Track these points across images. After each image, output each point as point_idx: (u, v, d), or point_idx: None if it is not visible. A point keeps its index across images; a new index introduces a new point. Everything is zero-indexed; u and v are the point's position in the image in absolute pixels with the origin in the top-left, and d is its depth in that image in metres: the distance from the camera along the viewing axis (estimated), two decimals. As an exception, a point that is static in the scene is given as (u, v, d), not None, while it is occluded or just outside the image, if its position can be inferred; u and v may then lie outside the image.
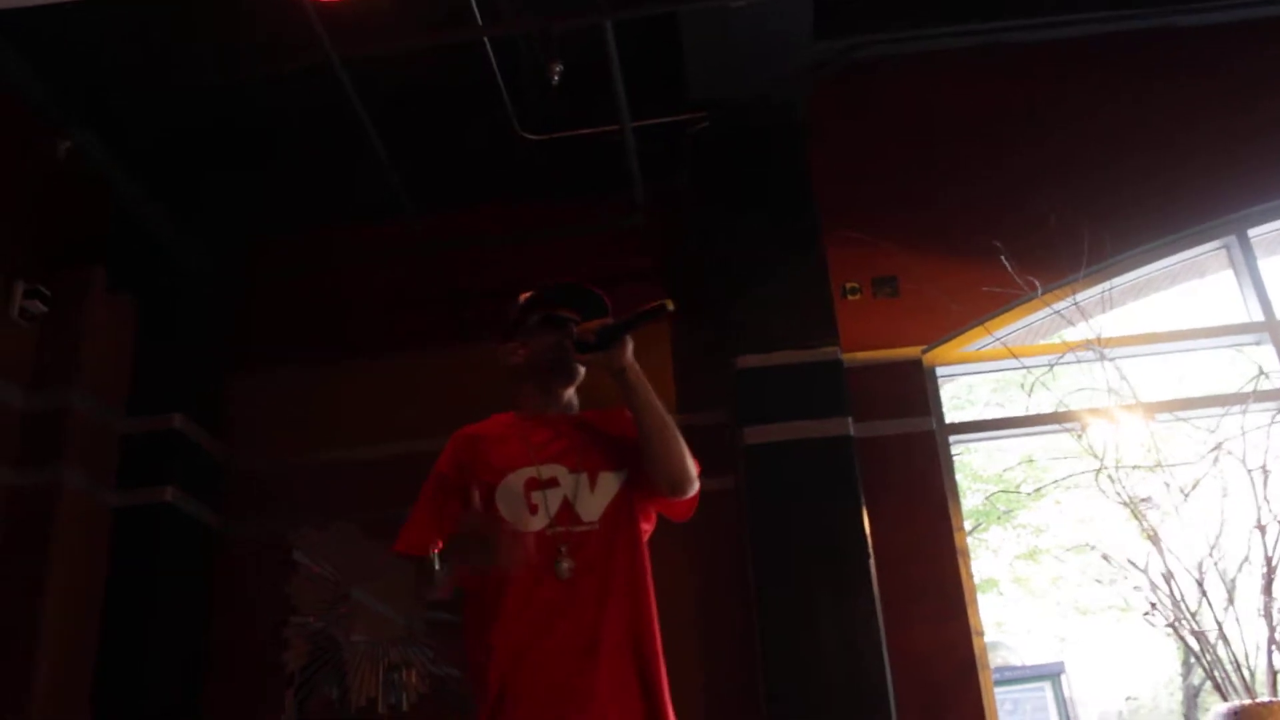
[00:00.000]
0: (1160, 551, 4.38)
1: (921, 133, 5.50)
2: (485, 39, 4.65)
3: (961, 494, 5.17)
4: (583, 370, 2.67)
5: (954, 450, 5.17)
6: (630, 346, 2.47)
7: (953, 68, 5.58)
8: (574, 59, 4.44)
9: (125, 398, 5.20)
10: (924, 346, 5.10)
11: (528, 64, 4.97)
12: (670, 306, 2.40)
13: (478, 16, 4.51)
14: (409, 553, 2.53)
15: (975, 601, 4.76)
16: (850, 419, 4.71)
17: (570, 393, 2.71)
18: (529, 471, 2.52)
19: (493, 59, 4.77)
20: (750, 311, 4.91)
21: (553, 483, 2.52)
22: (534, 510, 2.48)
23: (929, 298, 5.07)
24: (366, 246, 5.66)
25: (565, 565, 2.41)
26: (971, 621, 4.66)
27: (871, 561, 4.47)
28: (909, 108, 5.56)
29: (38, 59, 4.50)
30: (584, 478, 2.53)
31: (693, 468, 2.52)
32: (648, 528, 2.60)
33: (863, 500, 4.58)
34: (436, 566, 2.38)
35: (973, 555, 5.39)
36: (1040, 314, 5.10)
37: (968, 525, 4.87)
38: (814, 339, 4.82)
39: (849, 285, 5.19)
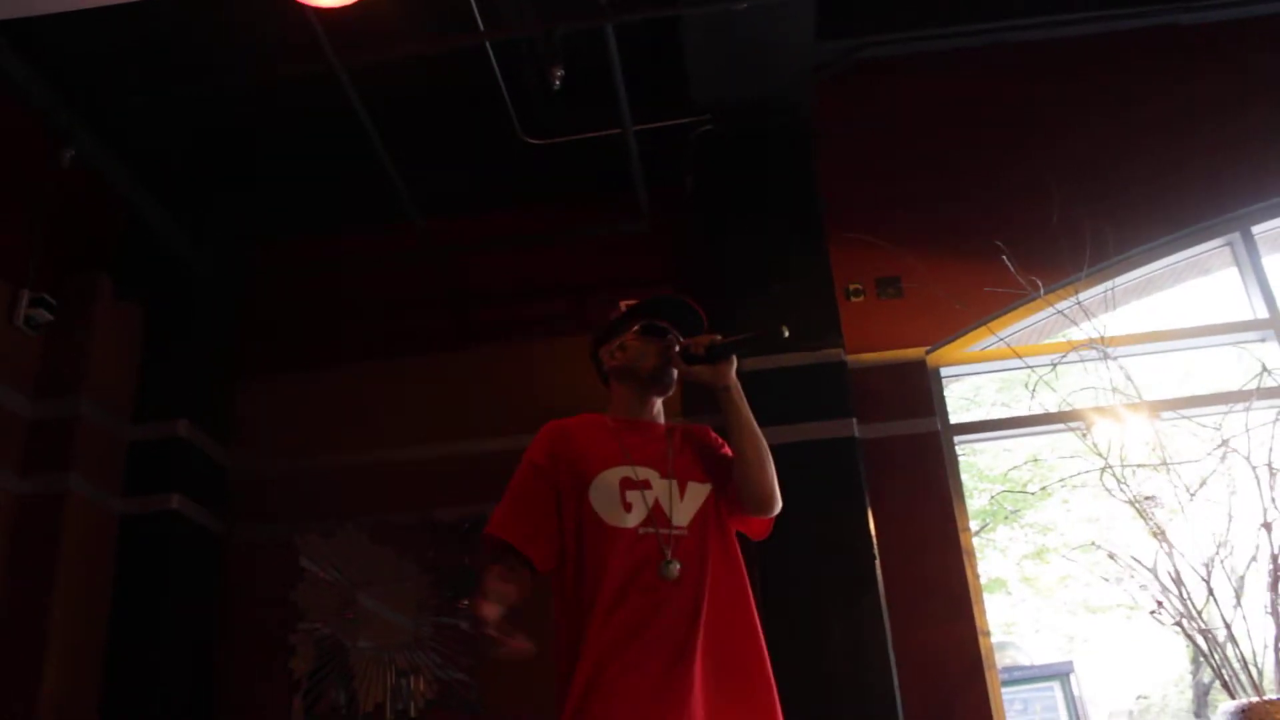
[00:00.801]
0: (1167, 550, 4.38)
1: (924, 133, 5.50)
2: (487, 44, 4.65)
3: (968, 494, 5.17)
4: (674, 382, 2.73)
5: (960, 450, 5.17)
6: (734, 365, 2.55)
7: (956, 67, 5.58)
8: (577, 63, 4.45)
9: (131, 405, 5.21)
10: (928, 347, 5.10)
11: (530, 68, 4.98)
12: (786, 333, 2.47)
13: (479, 21, 4.52)
14: (498, 535, 2.59)
15: (981, 602, 4.75)
16: (855, 420, 4.71)
17: (660, 403, 2.76)
18: (624, 470, 2.56)
19: (495, 64, 4.78)
20: (754, 313, 4.90)
21: (645, 484, 2.56)
22: (629, 508, 2.52)
23: (933, 298, 5.07)
24: (371, 252, 5.67)
25: (674, 566, 2.45)
26: (978, 622, 4.66)
27: (878, 563, 4.47)
28: (912, 108, 5.57)
29: (42, 66, 4.51)
30: (674, 484, 2.57)
31: (778, 489, 2.58)
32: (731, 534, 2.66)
33: (868, 501, 4.57)
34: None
35: (980, 555, 5.39)
36: (1044, 314, 5.10)
37: (975, 525, 4.87)
38: (818, 340, 4.82)
39: (853, 286, 5.19)
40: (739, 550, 2.60)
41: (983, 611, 4.73)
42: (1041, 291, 4.82)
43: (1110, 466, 4.55)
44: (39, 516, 4.63)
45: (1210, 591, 4.29)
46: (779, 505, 2.59)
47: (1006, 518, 9.48)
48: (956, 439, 5.11)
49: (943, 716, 4.49)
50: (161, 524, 4.95)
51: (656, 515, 2.51)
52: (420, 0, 4.55)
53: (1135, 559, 4.44)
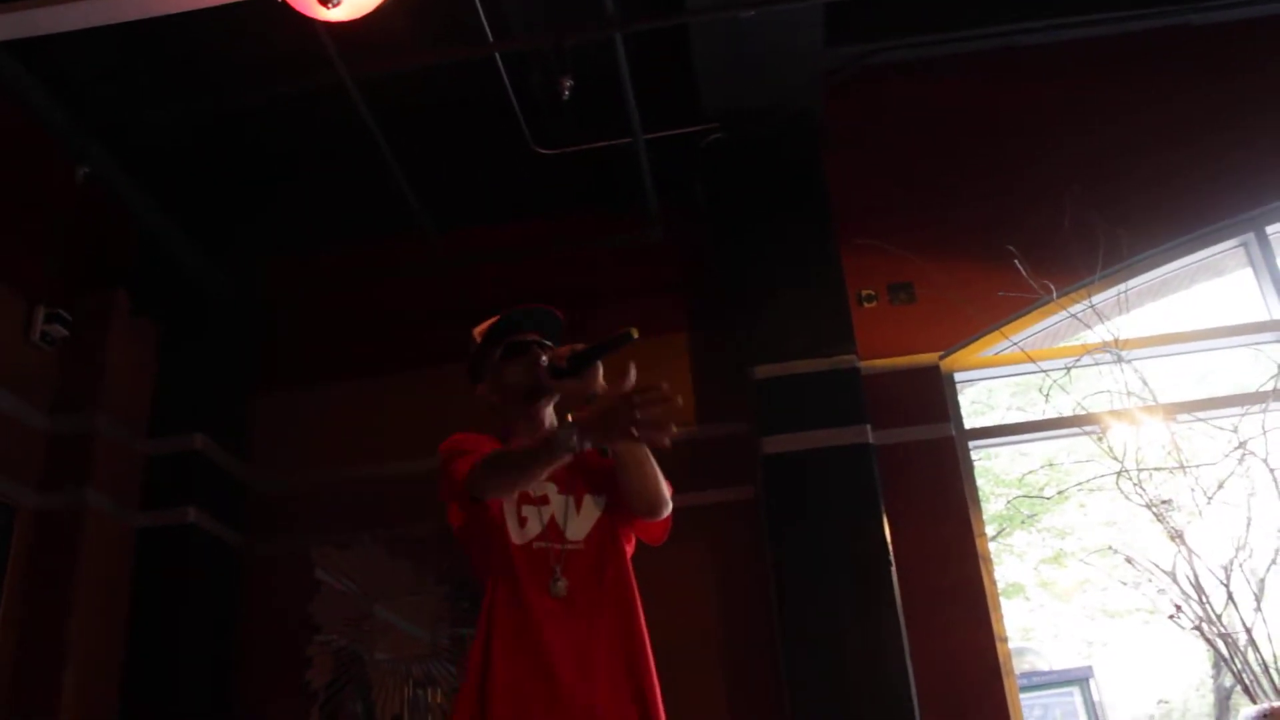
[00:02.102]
0: (1186, 554, 4.36)
1: (935, 138, 5.50)
2: (497, 56, 4.67)
3: (984, 499, 5.15)
4: (551, 388, 2.69)
5: (975, 455, 5.16)
6: (600, 372, 2.53)
7: (966, 72, 5.58)
8: (586, 74, 4.45)
9: (147, 420, 5.24)
10: (941, 352, 5.09)
11: (540, 79, 4.99)
12: (635, 334, 2.39)
13: (489, 33, 4.54)
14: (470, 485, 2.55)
15: (999, 608, 4.74)
16: (869, 426, 4.70)
17: (549, 412, 2.74)
18: None
19: (505, 76, 4.79)
20: (767, 321, 4.91)
21: (543, 500, 2.60)
22: (523, 523, 2.55)
23: (946, 303, 5.06)
24: (384, 264, 5.69)
25: (561, 584, 2.48)
26: (995, 628, 4.64)
27: (894, 569, 4.46)
28: (922, 113, 5.56)
29: (55, 85, 4.54)
30: (570, 500, 2.61)
31: (665, 492, 2.54)
32: (629, 549, 2.66)
33: (884, 508, 4.56)
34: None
35: (997, 560, 5.37)
36: (1057, 317, 5.08)
37: (991, 530, 4.85)
38: (831, 347, 4.81)
39: (865, 292, 5.19)
40: (631, 565, 2.62)
41: (1000, 617, 4.71)
42: (1054, 295, 4.81)
43: (1126, 470, 4.53)
44: (58, 531, 4.67)
45: (1230, 595, 4.26)
46: (667, 506, 2.55)
47: (1023, 522, 9.44)
48: (971, 444, 5.10)
49: (960, 723, 4.47)
50: (179, 538, 4.98)
51: (550, 530, 2.55)
52: (430, 13, 4.56)
53: (1154, 563, 4.42)
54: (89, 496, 4.73)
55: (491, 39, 4.56)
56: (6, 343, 4.71)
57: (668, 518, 2.61)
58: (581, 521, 2.60)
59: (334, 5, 3.18)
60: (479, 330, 2.82)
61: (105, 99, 4.84)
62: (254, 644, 5.15)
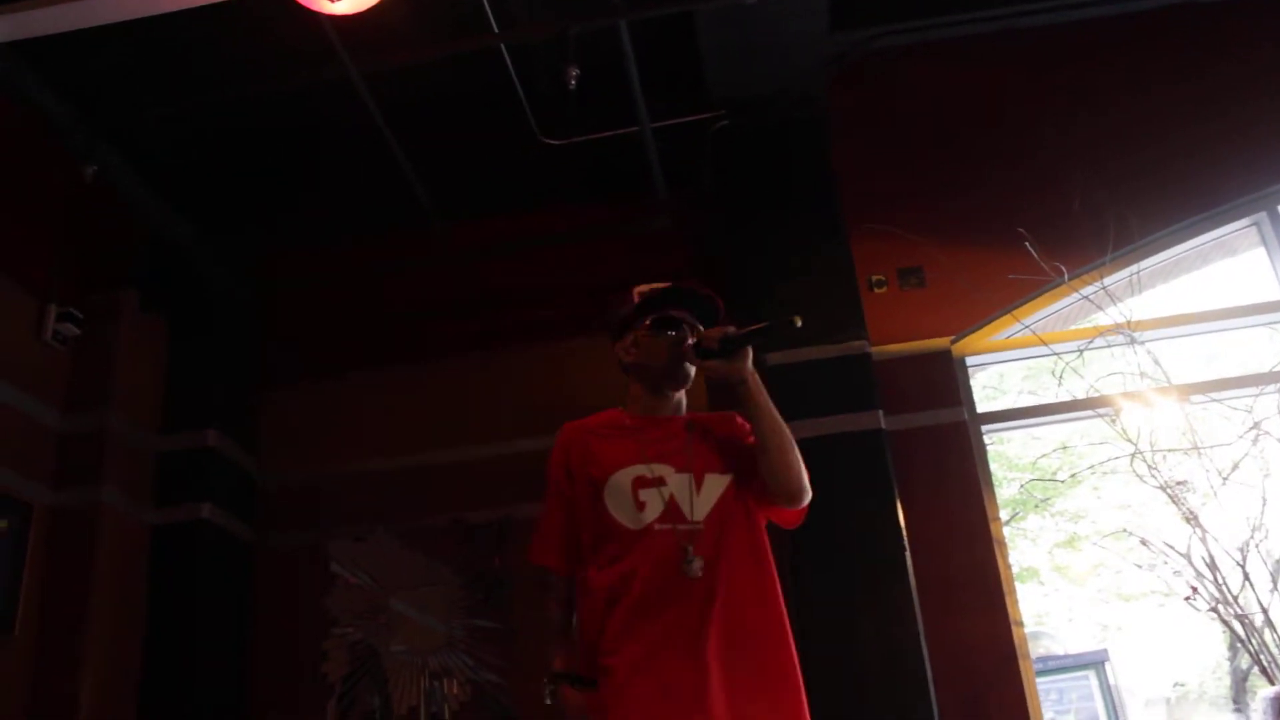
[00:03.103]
0: (1200, 535, 4.34)
1: (943, 121, 5.47)
2: (502, 46, 4.66)
3: (997, 483, 5.13)
4: (693, 374, 2.67)
5: (987, 440, 5.14)
6: (750, 357, 2.49)
7: (972, 54, 5.54)
8: (591, 62, 4.43)
9: (159, 416, 5.25)
10: (952, 337, 5.07)
11: (545, 70, 4.98)
12: (799, 323, 2.40)
13: (493, 24, 4.52)
14: (541, 564, 2.65)
15: (1014, 591, 4.72)
16: (881, 412, 4.68)
17: (680, 395, 2.70)
18: (638, 469, 2.54)
19: (510, 66, 4.78)
20: (777, 307, 4.88)
21: (660, 481, 2.53)
22: (642, 507, 2.50)
23: (956, 287, 5.04)
24: (392, 256, 5.69)
25: (696, 564, 2.43)
26: (1010, 612, 4.63)
27: (908, 554, 4.44)
28: (929, 97, 5.53)
29: (60, 84, 4.55)
30: (690, 478, 2.53)
31: (806, 480, 2.52)
32: (761, 520, 2.61)
33: (897, 493, 4.55)
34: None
35: (1011, 544, 5.35)
36: (1069, 299, 5.06)
37: (1005, 514, 4.84)
38: (842, 333, 4.79)
39: (875, 278, 5.16)
40: (766, 543, 2.56)
41: (1015, 601, 4.70)
42: (1066, 277, 4.79)
43: (1140, 452, 4.52)
44: (73, 528, 4.69)
45: (1246, 576, 4.25)
46: (808, 495, 2.53)
47: (1036, 506, 9.42)
48: (984, 428, 5.08)
49: (977, 708, 4.47)
50: (193, 533, 4.99)
51: (672, 511, 2.49)
52: (434, 4, 4.55)
53: (1169, 545, 4.40)
54: (103, 494, 4.74)
55: (496, 29, 4.55)
56: (19, 342, 4.73)
57: (806, 506, 2.58)
58: (702, 500, 2.53)
59: (338, -2, 3.16)
60: (639, 289, 2.75)
61: (111, 97, 4.83)
62: (270, 638, 5.17)
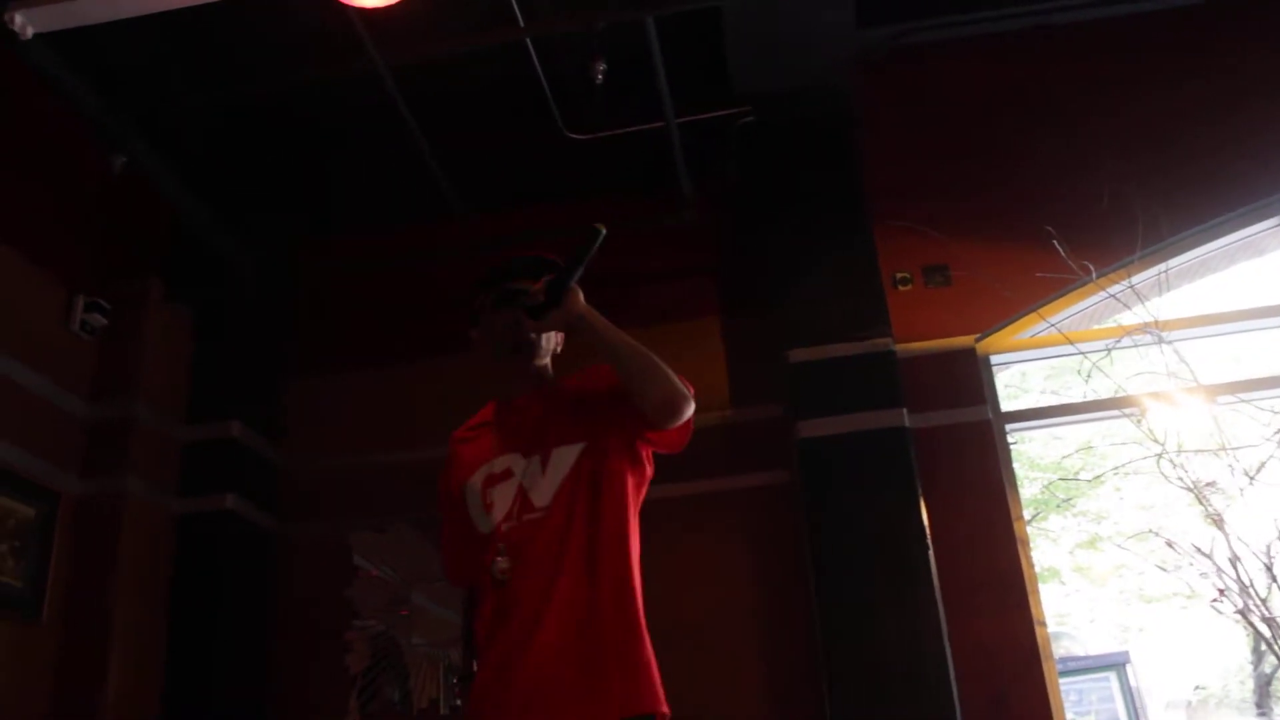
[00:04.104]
0: (1226, 536, 4.31)
1: (970, 118, 5.43)
2: (528, 40, 4.66)
3: (1019, 483, 5.11)
4: (549, 340, 2.56)
5: (1010, 439, 5.12)
6: (580, 293, 2.37)
7: (1001, 50, 5.50)
8: (616, 56, 4.43)
9: (184, 406, 5.28)
10: (977, 335, 5.04)
11: (571, 63, 4.98)
12: (603, 230, 2.31)
13: (519, 17, 4.53)
14: (458, 585, 2.74)
15: (1037, 591, 4.70)
16: (905, 410, 4.66)
17: (540, 365, 2.58)
18: (485, 469, 2.47)
19: (535, 59, 4.78)
20: (801, 304, 4.88)
21: (506, 475, 2.43)
22: (489, 509, 2.41)
23: (981, 285, 5.01)
24: (416, 248, 5.70)
25: (500, 566, 2.31)
26: (1034, 612, 4.60)
27: (931, 553, 4.43)
28: (956, 93, 5.49)
29: (90, 74, 4.57)
30: (535, 461, 2.41)
31: (682, 387, 2.34)
32: (636, 480, 2.47)
33: (920, 491, 4.53)
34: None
35: (1032, 544, 5.33)
36: (1096, 298, 5.02)
37: (1026, 514, 4.82)
38: (866, 330, 4.77)
39: (900, 275, 5.14)
40: (617, 506, 2.39)
41: (1039, 601, 4.67)
42: (1093, 276, 4.76)
43: (1167, 452, 4.49)
44: (99, 518, 4.71)
45: (1273, 578, 4.22)
46: (686, 406, 2.34)
47: (1058, 506, 9.38)
48: (1008, 427, 5.05)
49: (1000, 708, 4.44)
50: (217, 523, 5.01)
51: (519, 504, 2.37)
52: (461, -2, 4.57)
53: (1196, 547, 4.37)
54: (129, 483, 4.77)
55: (522, 23, 4.55)
56: (48, 332, 4.76)
57: (688, 421, 2.39)
58: (548, 481, 2.38)
59: (368, -10, 3.16)
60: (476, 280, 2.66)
61: (140, 86, 4.86)
62: (292, 629, 5.19)
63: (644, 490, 2.51)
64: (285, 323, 5.82)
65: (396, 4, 3.60)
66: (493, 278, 2.60)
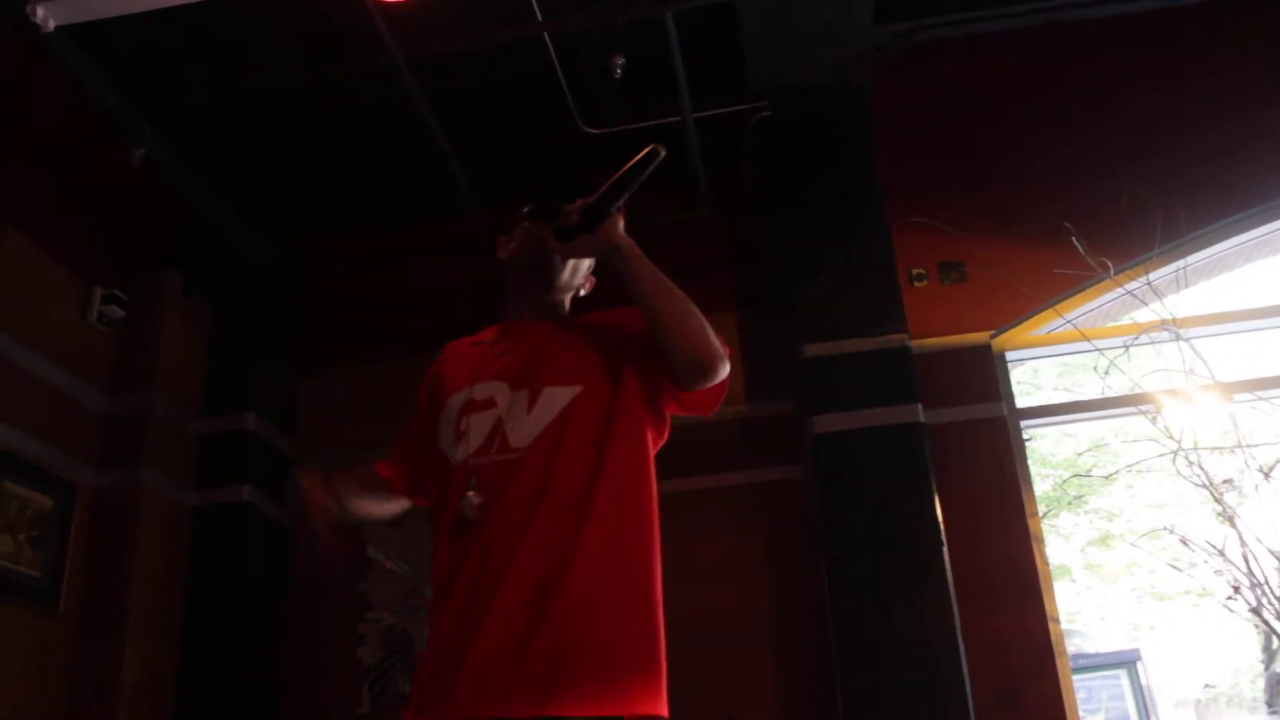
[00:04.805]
0: (1240, 534, 4.31)
1: (987, 114, 5.42)
2: (545, 34, 4.66)
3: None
4: (575, 273, 2.28)
5: (1024, 435, 5.11)
6: (620, 221, 2.11)
7: (1017, 47, 5.48)
8: (633, 51, 4.43)
9: (200, 399, 5.30)
10: (993, 331, 5.04)
11: (587, 58, 4.98)
12: (662, 152, 2.02)
13: (537, 12, 4.52)
14: (385, 477, 2.38)
15: (1051, 588, 4.70)
16: (920, 406, 4.66)
17: (554, 299, 2.31)
18: (467, 393, 2.15)
19: (553, 53, 4.78)
20: (816, 300, 4.88)
21: (488, 404, 2.11)
22: (460, 438, 2.09)
23: (997, 281, 5.00)
24: (433, 243, 5.71)
25: (471, 500, 2.00)
26: (1047, 608, 4.60)
27: (945, 549, 4.43)
28: (973, 89, 5.48)
29: (109, 67, 4.58)
30: (523, 396, 2.09)
31: (717, 344, 2.06)
32: (654, 436, 2.18)
33: (935, 487, 4.53)
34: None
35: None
36: (1112, 295, 5.01)
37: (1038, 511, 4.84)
38: (881, 326, 4.77)
39: (915, 271, 5.13)
40: (633, 462, 2.10)
41: (1053, 598, 4.67)
42: (1112, 272, 4.74)
43: (1183, 450, 4.48)
44: (115, 509, 4.74)
45: (1289, 577, 4.21)
46: (722, 366, 2.07)
47: (1070, 503, 9.37)
48: (1023, 424, 5.05)
49: (1012, 704, 4.44)
50: (232, 516, 5.04)
51: (494, 439, 2.06)
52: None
53: (1210, 544, 4.37)
54: (145, 475, 4.80)
55: (540, 17, 4.55)
56: (66, 324, 4.78)
57: (722, 382, 2.11)
58: (532, 421, 2.06)
59: (391, -16, 3.17)
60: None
61: (156, 81, 4.87)
62: (306, 621, 5.21)
63: (658, 446, 2.21)
64: (300, 315, 5.83)
65: (416, -2, 3.60)
66: (542, 190, 2.34)
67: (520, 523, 1.96)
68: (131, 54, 4.69)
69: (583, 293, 2.37)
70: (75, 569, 4.57)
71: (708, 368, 2.05)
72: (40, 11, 3.80)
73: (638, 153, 2.04)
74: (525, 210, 2.31)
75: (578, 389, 2.08)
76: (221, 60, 5.04)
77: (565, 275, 2.27)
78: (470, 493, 2.00)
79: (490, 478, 2.02)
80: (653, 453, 2.17)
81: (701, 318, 2.05)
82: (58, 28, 3.89)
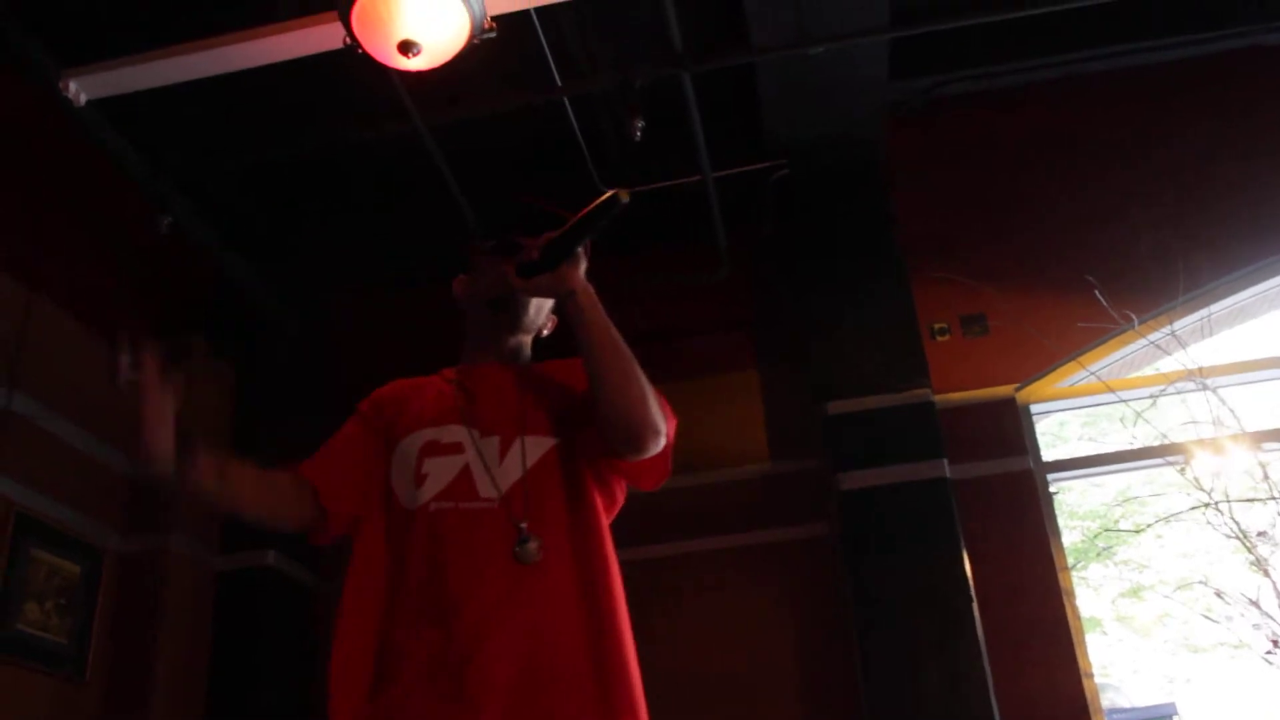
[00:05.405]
0: (1275, 584, 4.25)
1: (1005, 167, 5.43)
2: (565, 98, 4.71)
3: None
4: (539, 312, 2.19)
5: (1051, 488, 5.07)
6: (584, 264, 1.99)
7: (1033, 100, 5.51)
8: (650, 111, 4.47)
9: (227, 461, 5.31)
10: (1017, 384, 5.02)
11: (606, 119, 5.03)
12: (625, 197, 1.91)
13: (556, 76, 4.58)
14: (307, 477, 2.14)
15: (1084, 643, 4.64)
16: (946, 461, 4.64)
17: (519, 339, 2.20)
18: (429, 433, 2.04)
19: (571, 115, 4.83)
20: (839, 356, 4.87)
21: (454, 448, 2.01)
22: (420, 481, 1.98)
23: (1019, 334, 5.00)
24: (455, 305, 5.72)
25: (426, 552, 1.91)
26: (1081, 663, 4.54)
27: (975, 605, 4.38)
28: (990, 142, 5.50)
29: (136, 136, 4.66)
30: (494, 443, 2.00)
31: (659, 414, 1.94)
32: (605, 501, 2.07)
33: (963, 542, 4.50)
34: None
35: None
36: (1136, 345, 4.99)
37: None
38: (905, 381, 4.76)
39: (937, 325, 5.13)
40: (602, 530, 2.00)
41: (1085, 653, 4.61)
42: (1136, 323, 4.73)
43: (1214, 501, 4.44)
44: (141, 574, 4.76)
45: (1326, 629, 4.14)
46: (659, 435, 1.94)
47: (1099, 555, 9.27)
48: (1050, 476, 5.01)
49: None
50: (258, 580, 5.04)
51: (460, 486, 1.95)
52: (498, 54, 4.62)
53: (1247, 597, 4.31)
54: (172, 540, 4.82)
55: (559, 81, 4.61)
56: (94, 388, 4.81)
57: (662, 453, 1.99)
58: (504, 471, 1.96)
59: (414, 55, 3.22)
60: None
61: (182, 148, 4.95)
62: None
63: (613, 514, 2.10)
64: (324, 376, 5.86)
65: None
66: (498, 224, 2.26)
67: (498, 583, 1.86)
68: (158, 123, 4.77)
69: (545, 333, 2.26)
70: (102, 635, 4.58)
71: (638, 438, 1.93)
72: (73, 86, 3.88)
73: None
74: (486, 246, 2.21)
75: (552, 441, 2.01)
76: (245, 126, 5.11)
77: (530, 314, 2.17)
78: (428, 543, 1.90)
79: (451, 525, 1.92)
80: (606, 508, 2.06)
81: (647, 385, 1.93)
82: (88, 101, 3.96)
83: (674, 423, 2.01)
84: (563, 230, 1.96)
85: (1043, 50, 5.32)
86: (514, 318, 2.15)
